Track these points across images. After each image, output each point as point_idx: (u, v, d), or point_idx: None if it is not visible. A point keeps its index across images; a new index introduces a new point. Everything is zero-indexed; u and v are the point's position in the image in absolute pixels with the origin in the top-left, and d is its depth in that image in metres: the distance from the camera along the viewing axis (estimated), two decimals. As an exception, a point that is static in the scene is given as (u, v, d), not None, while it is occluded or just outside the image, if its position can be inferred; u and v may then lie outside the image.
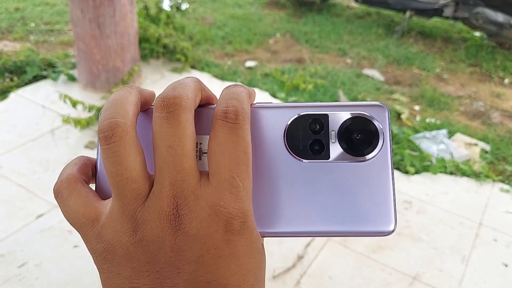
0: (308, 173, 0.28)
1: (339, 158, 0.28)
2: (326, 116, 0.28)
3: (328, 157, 0.28)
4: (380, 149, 0.28)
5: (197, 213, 0.25)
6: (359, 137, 0.28)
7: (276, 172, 0.28)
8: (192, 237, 0.25)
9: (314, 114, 0.28)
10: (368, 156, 0.28)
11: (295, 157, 0.28)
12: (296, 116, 0.28)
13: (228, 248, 0.25)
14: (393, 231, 0.27)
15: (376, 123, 0.28)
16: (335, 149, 0.28)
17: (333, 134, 0.28)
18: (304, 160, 0.28)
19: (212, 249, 0.25)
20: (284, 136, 0.28)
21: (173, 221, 0.25)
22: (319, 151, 0.28)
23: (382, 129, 0.28)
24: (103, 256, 0.26)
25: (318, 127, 0.28)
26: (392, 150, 0.28)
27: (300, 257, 1.86)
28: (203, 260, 0.25)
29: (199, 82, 0.28)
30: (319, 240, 1.94)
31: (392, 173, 0.28)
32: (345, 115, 0.28)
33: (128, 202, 0.25)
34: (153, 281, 0.25)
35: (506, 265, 1.92)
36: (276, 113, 0.29)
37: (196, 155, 0.26)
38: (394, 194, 0.27)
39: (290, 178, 0.28)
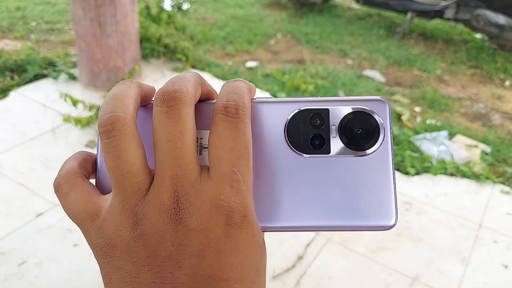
0: (308, 167, 0.28)
1: (339, 153, 0.28)
2: (327, 110, 0.28)
3: (329, 152, 0.28)
4: (381, 143, 0.28)
5: (198, 207, 0.25)
6: (360, 132, 0.28)
7: (276, 166, 0.28)
8: (193, 231, 0.25)
9: (315, 108, 0.28)
10: (369, 151, 0.28)
11: (295, 152, 0.28)
12: (297, 110, 0.28)
13: (229, 242, 0.25)
14: (394, 225, 0.27)
15: (376, 117, 0.28)
16: (336, 144, 0.28)
17: (333, 128, 0.28)
18: (304, 155, 0.28)
19: (213, 243, 0.25)
20: (284, 131, 0.28)
21: (173, 215, 0.25)
22: (320, 145, 0.28)
23: (382, 123, 0.28)
24: (103, 250, 0.26)
25: (318, 121, 0.28)
26: (393, 145, 0.28)
27: (299, 258, 1.86)
28: (204, 254, 0.25)
29: (199, 76, 0.28)
30: (319, 240, 1.94)
31: (393, 168, 0.28)
32: (346, 110, 0.28)
33: (129, 197, 0.25)
34: (154, 276, 0.25)
35: (506, 267, 1.92)
36: (276, 108, 0.29)
37: (197, 150, 0.26)
38: (395, 189, 0.27)
39: (291, 172, 0.28)
